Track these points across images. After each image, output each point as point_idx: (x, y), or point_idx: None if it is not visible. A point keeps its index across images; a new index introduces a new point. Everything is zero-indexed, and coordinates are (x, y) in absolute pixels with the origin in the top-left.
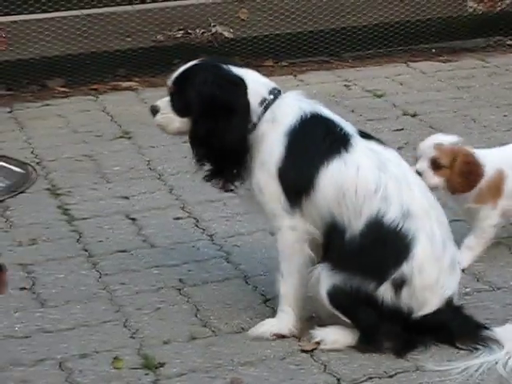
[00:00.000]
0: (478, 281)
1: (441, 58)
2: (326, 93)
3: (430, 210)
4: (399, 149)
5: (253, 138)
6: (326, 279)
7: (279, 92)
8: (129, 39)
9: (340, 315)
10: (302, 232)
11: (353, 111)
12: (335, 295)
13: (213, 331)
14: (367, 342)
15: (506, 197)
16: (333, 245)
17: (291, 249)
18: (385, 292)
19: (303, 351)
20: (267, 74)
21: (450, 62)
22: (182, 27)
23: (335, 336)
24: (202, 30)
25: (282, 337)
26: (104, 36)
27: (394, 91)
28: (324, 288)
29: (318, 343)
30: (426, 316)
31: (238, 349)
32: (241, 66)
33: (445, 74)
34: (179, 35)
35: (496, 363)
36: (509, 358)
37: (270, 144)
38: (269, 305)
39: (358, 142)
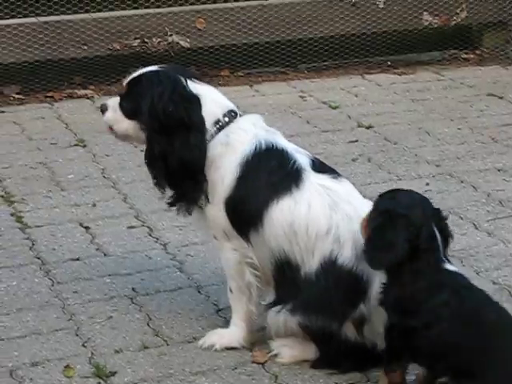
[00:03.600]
0: None
1: (396, 70)
2: (281, 104)
3: None
4: (353, 160)
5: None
6: (288, 317)
7: (236, 114)
8: (85, 47)
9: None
10: (244, 254)
11: (308, 122)
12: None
13: (165, 340)
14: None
15: None
16: (288, 282)
17: (235, 268)
18: (347, 330)
19: (254, 362)
20: (223, 84)
21: (405, 75)
22: (138, 36)
23: (293, 351)
24: (159, 39)
25: (231, 349)
26: (60, 44)
27: (350, 103)
28: (289, 323)
29: (275, 356)
30: None
31: (189, 358)
32: (201, 80)
33: (400, 86)
34: (135, 44)
35: None
36: None
37: (223, 171)
38: (221, 315)
39: (309, 178)
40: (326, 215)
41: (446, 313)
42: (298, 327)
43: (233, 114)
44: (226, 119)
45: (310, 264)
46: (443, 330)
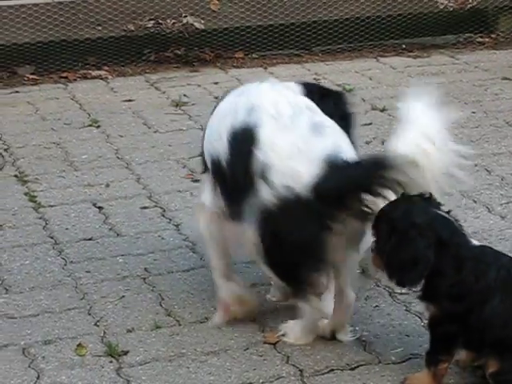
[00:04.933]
0: None
1: (411, 53)
2: None
3: (278, 97)
4: (367, 143)
5: None
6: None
7: None
8: (99, 28)
9: None
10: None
11: None
12: None
13: (177, 320)
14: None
15: None
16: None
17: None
18: None
19: (266, 343)
20: (237, 66)
21: (419, 58)
22: (152, 17)
23: (299, 332)
24: (173, 21)
25: (227, 307)
26: (75, 24)
27: (364, 86)
28: None
29: (283, 335)
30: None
31: (201, 338)
32: None
33: (414, 69)
34: (150, 25)
35: None
36: None
37: None
38: None
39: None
40: (229, 103)
41: (496, 287)
42: None
43: None
44: None
45: (221, 146)
46: (496, 304)
